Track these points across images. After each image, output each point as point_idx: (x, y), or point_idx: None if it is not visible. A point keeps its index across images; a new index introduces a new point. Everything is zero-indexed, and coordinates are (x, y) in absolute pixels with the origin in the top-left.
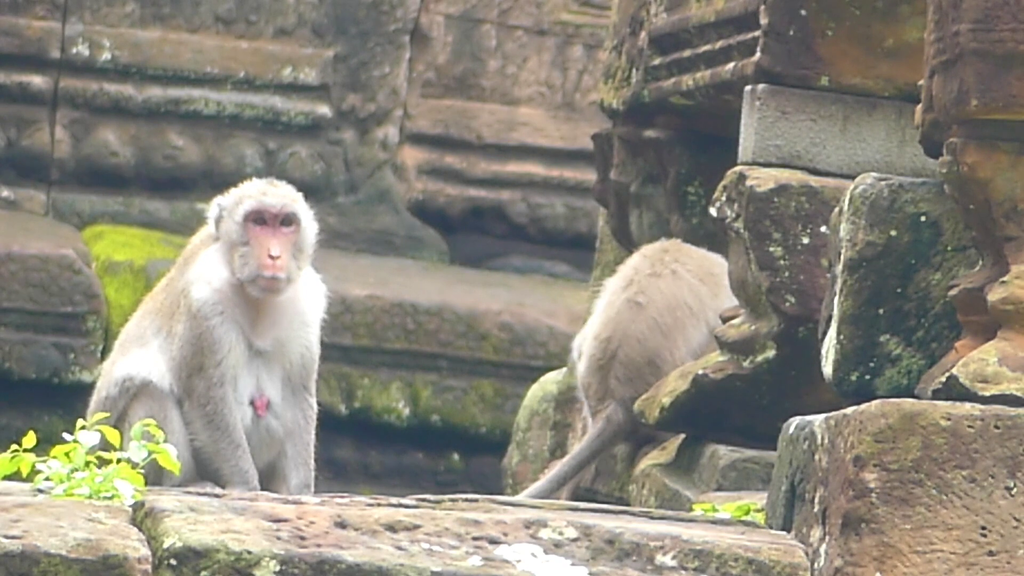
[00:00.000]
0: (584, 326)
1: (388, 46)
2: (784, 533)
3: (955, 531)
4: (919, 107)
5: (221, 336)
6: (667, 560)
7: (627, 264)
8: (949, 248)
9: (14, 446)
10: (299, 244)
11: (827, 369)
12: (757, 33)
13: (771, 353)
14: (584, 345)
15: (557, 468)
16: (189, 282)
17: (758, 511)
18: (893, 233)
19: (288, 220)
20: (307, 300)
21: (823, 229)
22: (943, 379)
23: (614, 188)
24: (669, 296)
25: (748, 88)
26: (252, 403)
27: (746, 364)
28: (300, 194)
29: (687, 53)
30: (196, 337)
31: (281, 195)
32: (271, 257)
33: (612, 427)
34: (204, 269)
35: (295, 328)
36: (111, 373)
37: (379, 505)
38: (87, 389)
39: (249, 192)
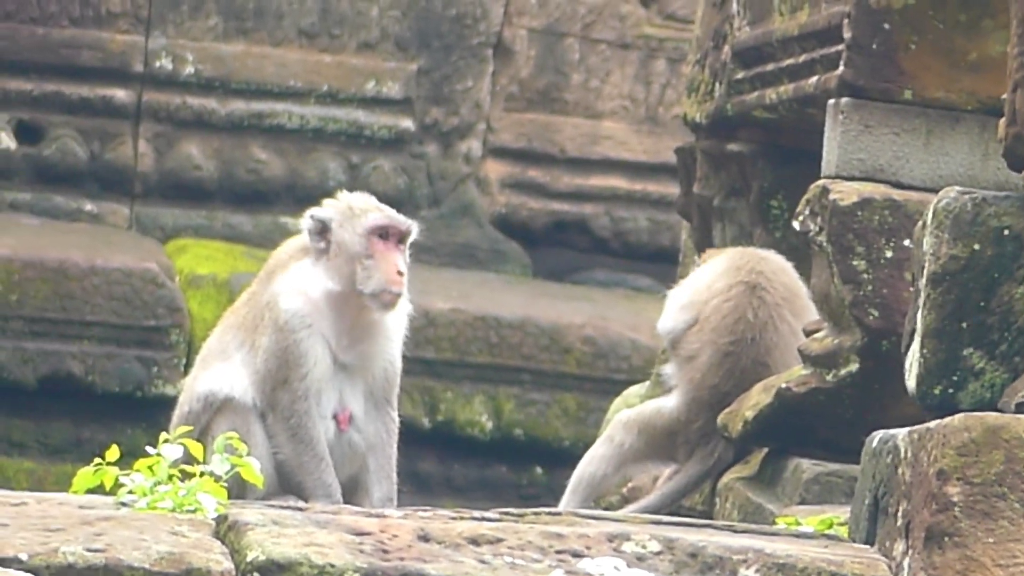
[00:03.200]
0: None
1: (471, 59)
2: (867, 547)
3: None
4: (1002, 121)
5: (307, 349)
6: (750, 574)
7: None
8: None
9: (97, 459)
10: (406, 260)
11: (910, 383)
12: (840, 47)
13: (854, 367)
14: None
15: (674, 481)
16: (277, 294)
17: (841, 525)
18: (976, 247)
19: (404, 237)
20: (391, 314)
21: (906, 243)
22: None
23: (697, 202)
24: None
25: (831, 102)
26: (335, 417)
27: (829, 378)
28: None
29: (770, 67)
30: (282, 350)
31: (399, 213)
32: (400, 273)
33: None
34: (295, 281)
35: (379, 342)
36: (194, 387)
37: (462, 519)
38: (170, 402)
39: (366, 206)
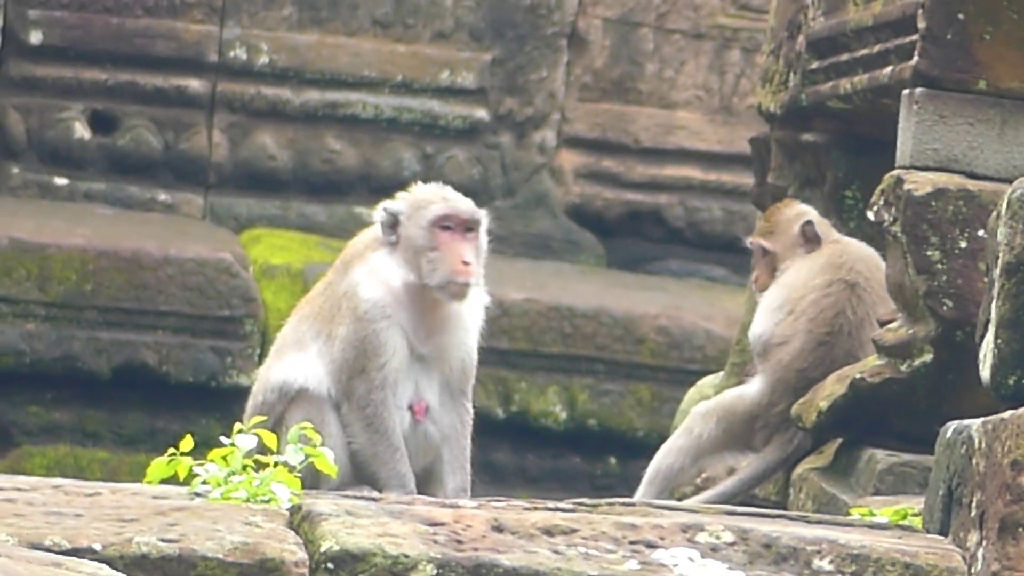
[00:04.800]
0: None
1: (545, 50)
2: (941, 537)
3: None
4: None
5: (386, 339)
6: (824, 564)
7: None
8: None
9: (171, 450)
10: (478, 249)
11: (984, 373)
12: (915, 37)
13: (928, 357)
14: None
15: (751, 467)
16: (356, 283)
17: (915, 515)
18: None
19: (472, 226)
20: (468, 305)
21: (980, 233)
22: None
23: (771, 192)
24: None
25: (906, 92)
26: (411, 408)
27: (903, 368)
28: None
29: (845, 57)
30: (360, 339)
31: (465, 201)
32: (465, 263)
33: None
34: (373, 271)
35: (456, 333)
36: (268, 377)
37: (536, 509)
38: (244, 393)
39: (431, 198)
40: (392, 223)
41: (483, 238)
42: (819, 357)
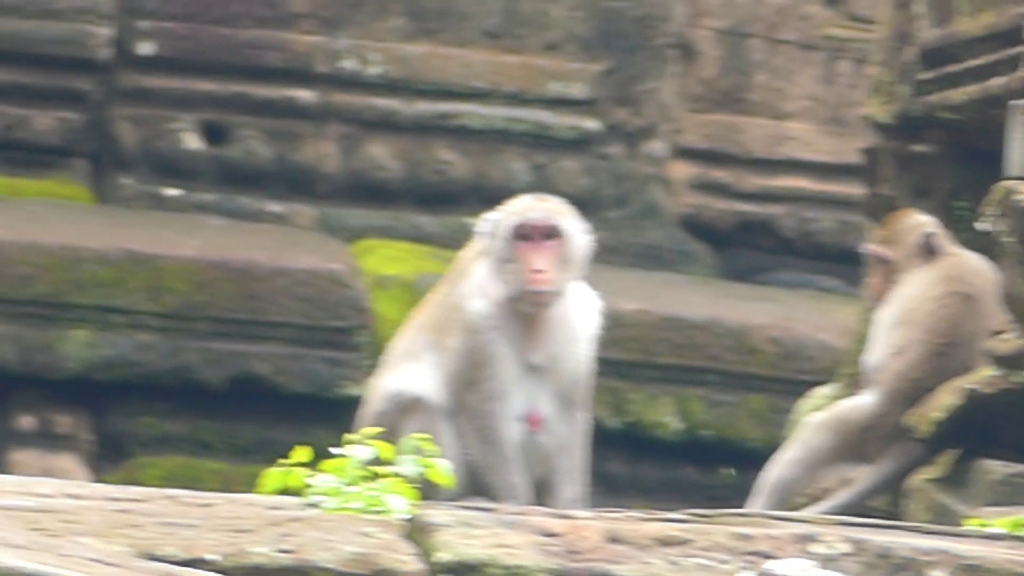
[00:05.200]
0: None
1: (655, 60)
2: None
3: None
4: None
5: (496, 351)
6: (939, 575)
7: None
8: None
9: (285, 460)
10: (566, 257)
11: None
12: (1022, 48)
13: None
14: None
15: (867, 477)
16: (463, 296)
17: None
18: None
19: (552, 233)
20: (580, 315)
21: None
22: None
23: (882, 202)
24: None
25: (1013, 102)
26: (525, 418)
27: (1016, 379)
28: (567, 207)
29: (955, 67)
30: (470, 351)
31: (544, 208)
32: (535, 271)
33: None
34: (478, 283)
35: (568, 343)
36: (382, 388)
37: (651, 520)
38: (356, 403)
39: (514, 208)
40: (489, 234)
41: (574, 244)
42: (935, 368)
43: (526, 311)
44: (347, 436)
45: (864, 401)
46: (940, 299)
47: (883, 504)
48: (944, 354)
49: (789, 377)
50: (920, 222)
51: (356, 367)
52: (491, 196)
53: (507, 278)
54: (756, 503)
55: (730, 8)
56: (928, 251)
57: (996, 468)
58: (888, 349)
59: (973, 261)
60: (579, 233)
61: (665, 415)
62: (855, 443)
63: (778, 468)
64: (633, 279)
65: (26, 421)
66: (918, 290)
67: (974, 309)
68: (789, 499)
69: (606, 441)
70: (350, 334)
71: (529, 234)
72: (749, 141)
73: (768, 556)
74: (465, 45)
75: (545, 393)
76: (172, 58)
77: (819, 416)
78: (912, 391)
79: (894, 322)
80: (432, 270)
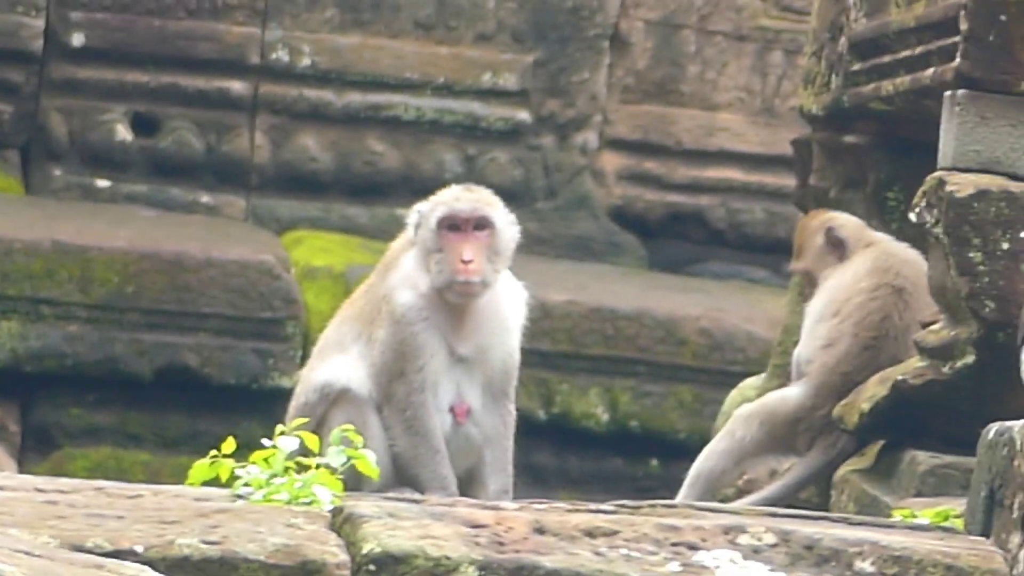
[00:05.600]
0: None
1: (588, 51)
2: (983, 539)
3: None
4: None
5: (424, 342)
6: (866, 566)
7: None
8: None
9: (213, 452)
10: (495, 248)
11: None
12: (957, 39)
13: (970, 359)
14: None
15: (794, 471)
16: (392, 287)
17: (957, 517)
18: None
19: (481, 224)
20: (508, 306)
21: (1023, 234)
22: None
23: (813, 193)
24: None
25: (947, 94)
26: (452, 410)
27: (945, 370)
28: (496, 198)
29: (887, 58)
30: (398, 342)
31: (473, 199)
32: (464, 262)
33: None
34: (407, 274)
35: (497, 334)
36: (310, 379)
37: (578, 511)
38: (286, 395)
39: (443, 199)
40: (418, 224)
41: (503, 235)
42: (864, 361)
43: (454, 302)
44: (276, 427)
45: (793, 393)
46: (870, 291)
47: (811, 495)
48: (874, 347)
49: (718, 368)
50: (821, 220)
51: (285, 358)
52: (422, 187)
53: (436, 269)
54: (682, 493)
55: None
56: (834, 245)
57: (924, 459)
58: (818, 341)
59: (901, 251)
60: (508, 224)
61: (593, 406)
62: (783, 435)
63: (706, 459)
64: (563, 270)
65: None
66: (847, 281)
67: (904, 302)
68: (717, 490)
69: (534, 432)
70: (280, 325)
71: (458, 225)
72: (680, 132)
73: (695, 547)
74: (397, 36)
75: (473, 384)
76: (104, 49)
77: (747, 407)
78: (841, 385)
79: (823, 314)
80: (362, 261)
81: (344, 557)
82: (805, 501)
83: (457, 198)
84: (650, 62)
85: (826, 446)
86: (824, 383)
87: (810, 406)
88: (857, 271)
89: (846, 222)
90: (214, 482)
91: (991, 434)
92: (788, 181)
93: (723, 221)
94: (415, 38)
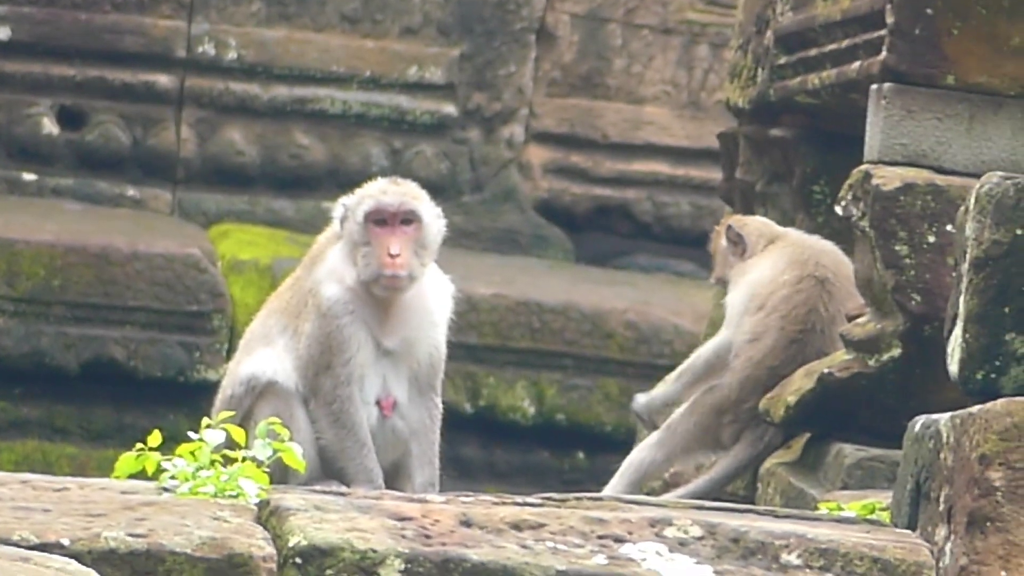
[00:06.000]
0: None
1: (514, 45)
2: (909, 532)
3: None
4: None
5: (350, 335)
6: (792, 559)
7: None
8: None
9: (139, 445)
10: (421, 241)
11: (953, 368)
12: (883, 32)
13: (897, 352)
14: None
15: (721, 465)
16: (318, 281)
17: (883, 510)
18: (1019, 232)
19: (408, 218)
20: (434, 299)
21: (949, 228)
22: None
23: (739, 187)
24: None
25: (874, 87)
26: (378, 403)
27: (872, 363)
28: (423, 191)
29: (813, 52)
30: (325, 336)
31: (400, 193)
32: (391, 255)
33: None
34: (333, 268)
35: (423, 328)
36: (236, 372)
37: (504, 504)
38: (212, 388)
39: (370, 192)
40: (343, 218)
41: (430, 229)
42: (791, 355)
43: (381, 295)
44: (202, 420)
45: (719, 385)
46: (794, 284)
47: (737, 488)
48: (800, 340)
49: (644, 361)
50: (723, 223)
51: (212, 351)
52: (348, 180)
53: (363, 262)
54: (612, 483)
55: None
56: (735, 243)
57: (850, 452)
58: (743, 335)
59: (817, 243)
60: (434, 218)
61: (520, 399)
62: (710, 425)
63: (636, 450)
64: (489, 263)
65: None
66: (767, 274)
67: (828, 293)
68: (644, 480)
69: (460, 425)
70: (206, 318)
71: (385, 219)
72: (606, 125)
73: (621, 540)
74: (323, 30)
75: (399, 377)
76: (29, 42)
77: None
78: (768, 378)
79: (748, 308)
80: (288, 254)
81: (270, 550)
82: (732, 494)
83: (384, 191)
84: (576, 56)
85: (752, 439)
86: (749, 377)
87: (736, 399)
88: (776, 264)
89: (748, 221)
90: (140, 475)
91: (917, 427)
92: (714, 174)
93: (649, 214)
94: (341, 32)
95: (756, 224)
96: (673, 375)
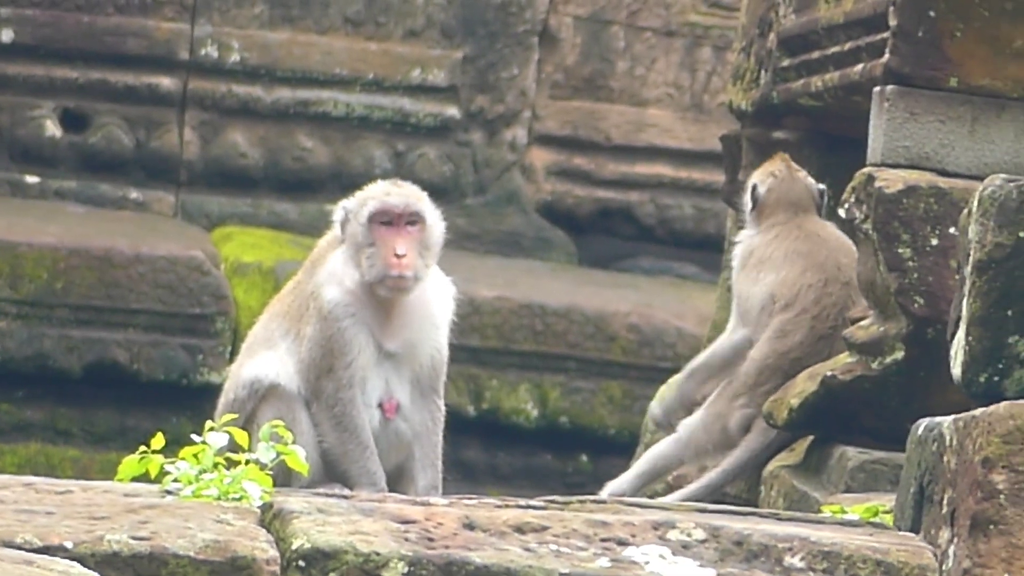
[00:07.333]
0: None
1: (517, 47)
2: (912, 535)
3: None
4: None
5: (351, 338)
6: (795, 562)
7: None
8: None
9: (142, 447)
10: (425, 243)
11: (956, 370)
12: (886, 34)
13: (900, 354)
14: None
15: (725, 463)
16: (319, 284)
17: (886, 513)
18: (1022, 234)
19: (413, 219)
20: (436, 302)
21: (952, 230)
22: None
23: (742, 189)
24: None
25: (877, 89)
26: (381, 405)
27: (875, 365)
28: (425, 193)
29: (816, 54)
30: (326, 339)
31: (404, 194)
32: (397, 256)
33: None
34: (334, 271)
35: (425, 330)
36: (239, 375)
37: (507, 507)
38: (215, 391)
39: (373, 193)
40: (344, 220)
41: (433, 230)
42: (818, 349)
43: (386, 296)
44: (205, 423)
45: (737, 374)
46: (822, 287)
47: (740, 491)
48: (828, 337)
49: (648, 364)
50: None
51: (215, 354)
52: (351, 183)
53: (368, 263)
54: (628, 478)
55: None
56: (753, 201)
57: (853, 455)
58: (770, 332)
59: (836, 239)
60: (437, 219)
61: (523, 402)
62: (722, 412)
63: (658, 444)
64: (492, 266)
65: None
66: (787, 275)
67: (852, 298)
68: (660, 475)
69: (463, 428)
70: (209, 321)
71: (390, 219)
72: (609, 128)
73: (624, 543)
74: (326, 32)
75: (401, 380)
76: (32, 45)
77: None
78: (790, 368)
79: (768, 307)
80: (291, 257)
81: (274, 553)
82: (735, 497)
83: (388, 193)
84: (579, 58)
85: (763, 427)
86: (771, 364)
87: (752, 383)
88: (794, 263)
89: (785, 178)
90: (143, 478)
91: (920, 430)
92: (717, 177)
93: (652, 217)
94: (344, 34)
95: (783, 190)
96: (683, 374)
